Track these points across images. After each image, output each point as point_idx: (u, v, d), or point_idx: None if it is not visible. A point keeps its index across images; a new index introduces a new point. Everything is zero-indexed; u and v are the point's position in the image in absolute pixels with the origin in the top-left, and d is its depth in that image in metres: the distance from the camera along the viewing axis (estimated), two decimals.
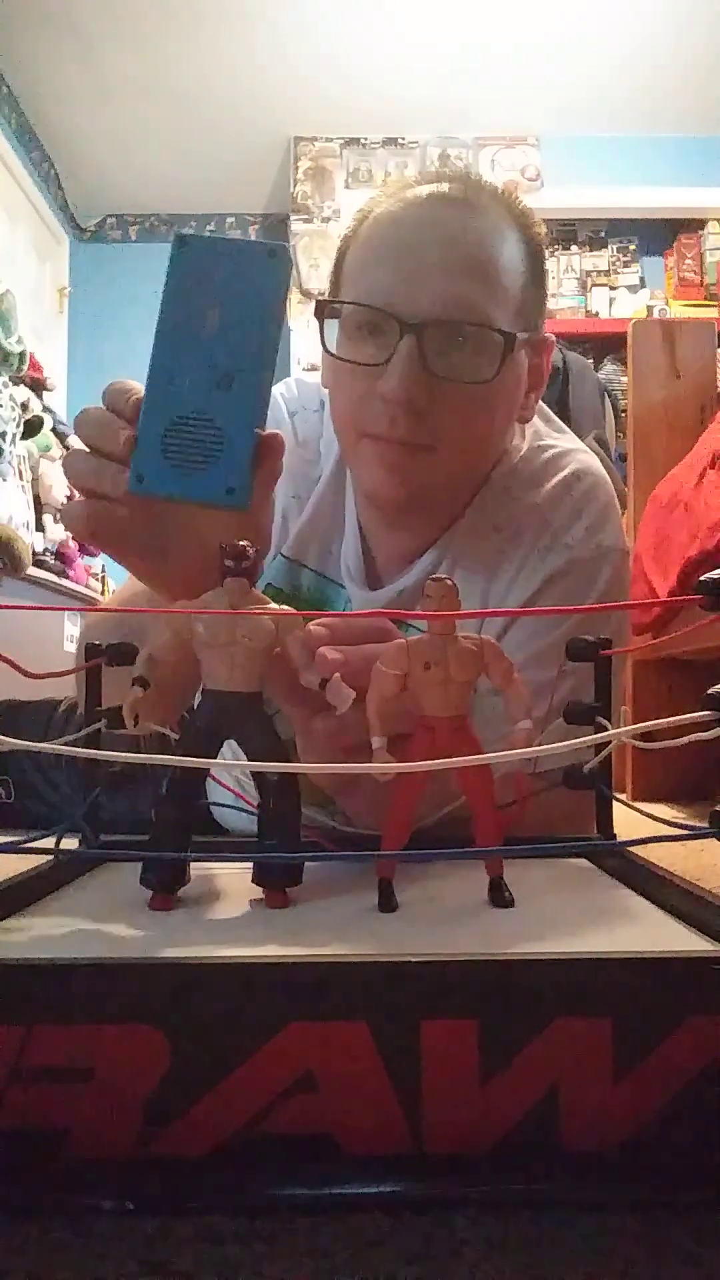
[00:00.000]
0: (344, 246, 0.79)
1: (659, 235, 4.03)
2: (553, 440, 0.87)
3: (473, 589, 0.81)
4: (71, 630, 2.58)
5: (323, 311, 0.76)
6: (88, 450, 0.53)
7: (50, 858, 0.47)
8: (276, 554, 0.87)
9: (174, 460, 0.49)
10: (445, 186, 0.75)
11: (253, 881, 0.45)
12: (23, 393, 2.48)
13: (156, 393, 0.49)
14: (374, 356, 0.72)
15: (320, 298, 0.78)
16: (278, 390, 0.93)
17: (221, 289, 0.49)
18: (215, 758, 0.45)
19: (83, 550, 2.78)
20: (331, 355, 0.76)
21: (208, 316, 0.49)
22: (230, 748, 0.48)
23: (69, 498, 2.73)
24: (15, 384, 2.43)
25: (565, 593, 0.79)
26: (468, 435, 0.74)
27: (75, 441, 3.22)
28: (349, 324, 0.74)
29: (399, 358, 0.70)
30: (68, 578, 2.66)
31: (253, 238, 4.30)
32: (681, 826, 0.40)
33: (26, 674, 0.45)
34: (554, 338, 0.83)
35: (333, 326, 0.76)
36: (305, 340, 3.78)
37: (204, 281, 0.49)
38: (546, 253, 0.80)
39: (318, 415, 0.90)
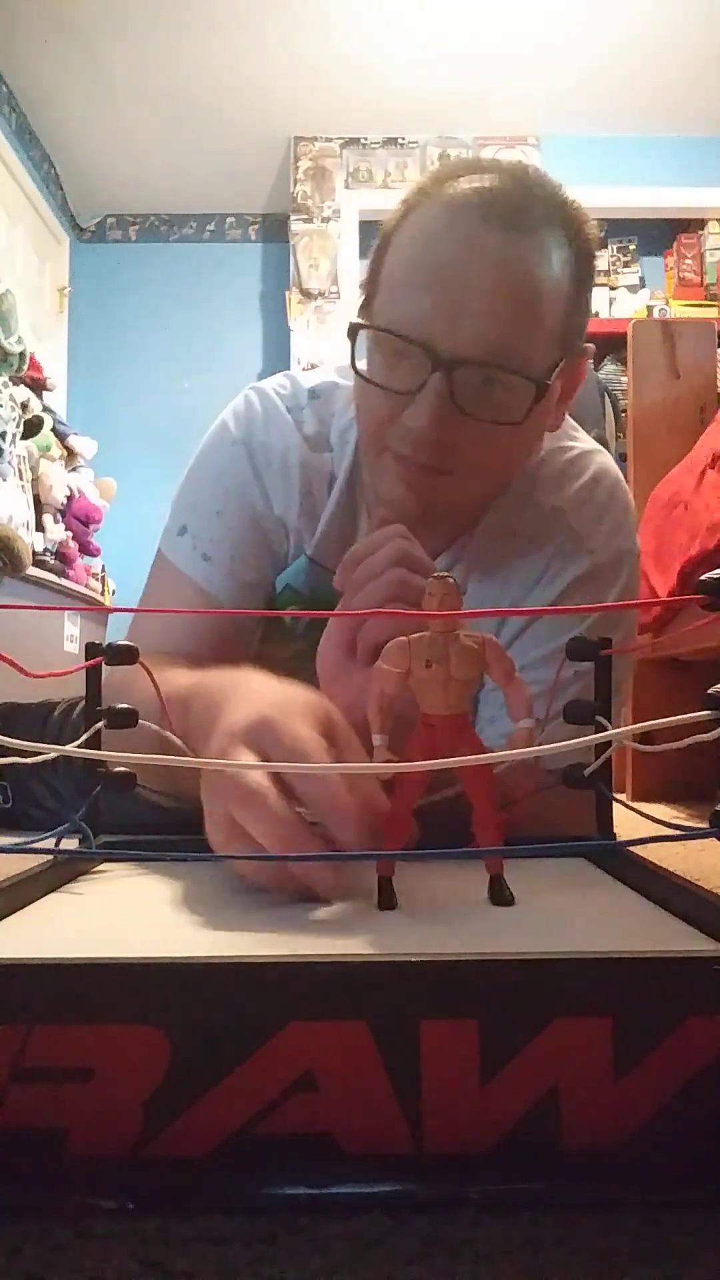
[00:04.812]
0: (384, 241, 0.75)
1: (659, 235, 4.03)
2: (570, 442, 0.86)
3: (488, 591, 0.81)
4: (71, 630, 2.58)
5: (355, 332, 0.74)
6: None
7: (50, 858, 0.47)
8: (300, 554, 0.86)
9: None
10: (494, 191, 0.70)
11: None
12: (23, 393, 2.47)
13: None
14: (403, 383, 0.70)
15: (353, 320, 0.75)
16: (270, 387, 0.89)
17: None
18: None
19: (83, 550, 2.78)
20: (361, 377, 0.74)
21: None
22: None
23: (69, 498, 2.73)
24: (15, 384, 2.43)
25: (587, 596, 0.79)
26: (489, 464, 0.74)
27: (75, 441, 3.17)
28: (382, 344, 0.72)
29: (428, 393, 0.68)
30: (68, 578, 2.65)
31: (252, 238, 4.30)
32: (681, 826, 0.40)
33: (26, 674, 0.45)
34: (593, 346, 0.80)
35: (362, 337, 0.74)
36: (305, 339, 3.81)
37: None
38: None
39: (308, 408, 0.88)
